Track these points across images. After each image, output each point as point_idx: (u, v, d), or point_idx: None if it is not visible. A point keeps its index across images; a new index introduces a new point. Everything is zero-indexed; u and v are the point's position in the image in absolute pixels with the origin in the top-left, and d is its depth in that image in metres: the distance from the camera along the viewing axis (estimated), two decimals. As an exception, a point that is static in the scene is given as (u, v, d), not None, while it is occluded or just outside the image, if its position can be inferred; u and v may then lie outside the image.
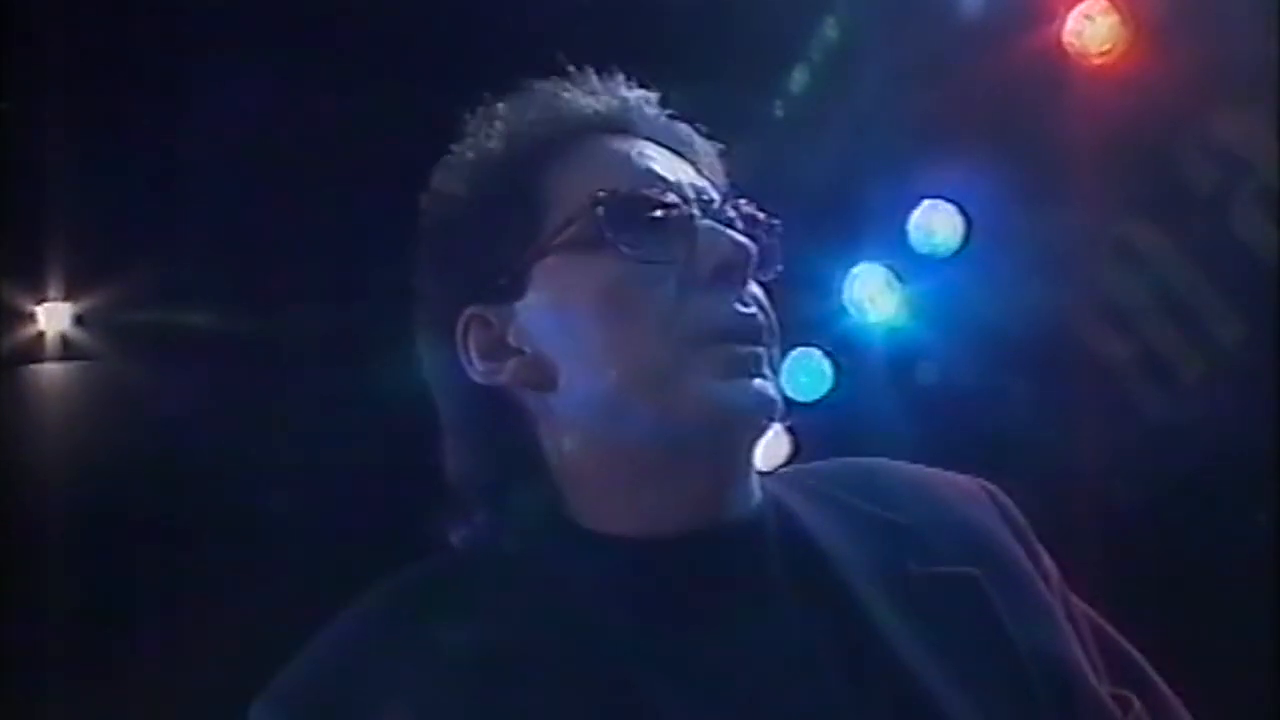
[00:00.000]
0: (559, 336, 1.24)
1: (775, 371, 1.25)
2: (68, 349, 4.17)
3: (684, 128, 1.33)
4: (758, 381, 1.21)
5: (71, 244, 3.92)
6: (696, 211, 1.25)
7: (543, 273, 1.25)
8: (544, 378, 1.24)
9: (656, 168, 1.27)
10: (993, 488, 1.38)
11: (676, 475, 1.22)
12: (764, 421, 1.23)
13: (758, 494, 1.27)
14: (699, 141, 1.33)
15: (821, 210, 3.90)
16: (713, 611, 1.20)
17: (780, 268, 1.30)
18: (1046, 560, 1.34)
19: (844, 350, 4.04)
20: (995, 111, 3.62)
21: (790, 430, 4.22)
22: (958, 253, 3.82)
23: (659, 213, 1.23)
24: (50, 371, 4.16)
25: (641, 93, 1.33)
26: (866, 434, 4.00)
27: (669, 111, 1.34)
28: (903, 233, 3.85)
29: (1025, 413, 3.66)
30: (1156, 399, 3.78)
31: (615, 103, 1.31)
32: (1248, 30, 3.35)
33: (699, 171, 1.30)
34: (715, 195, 1.28)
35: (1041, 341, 3.76)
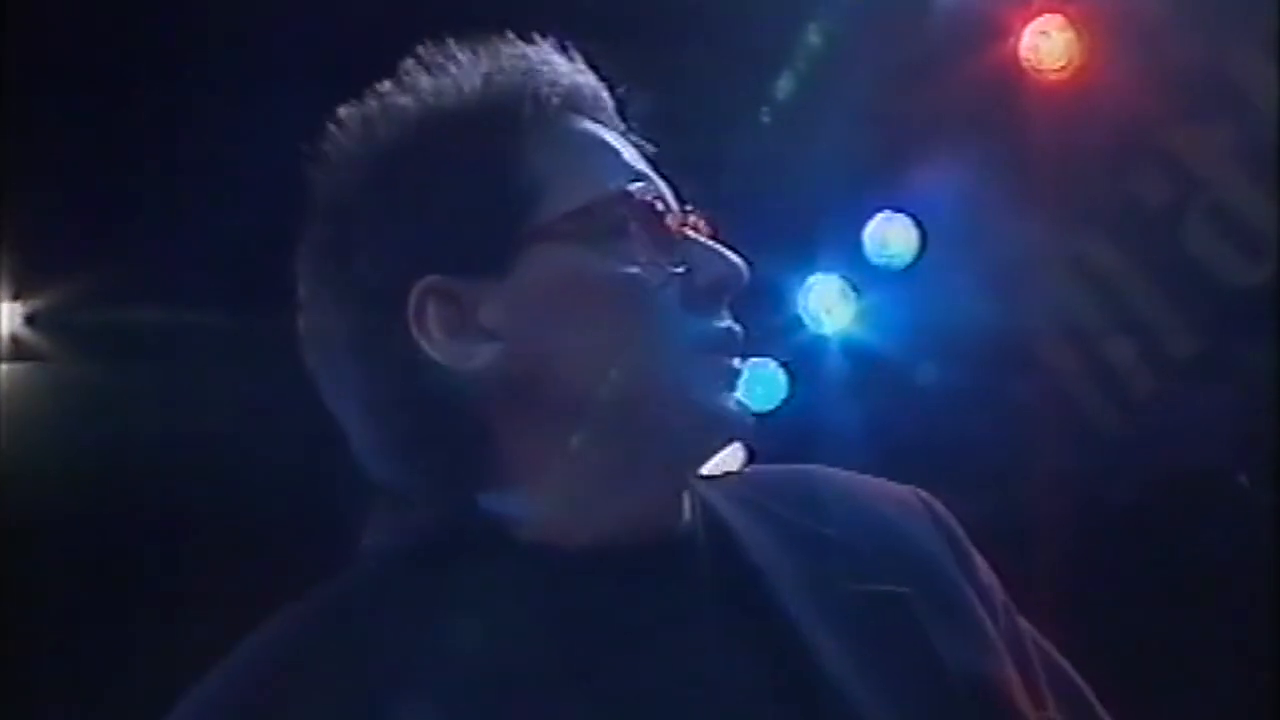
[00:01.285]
0: (556, 331, 1.14)
1: None
2: (18, 350, 4.13)
3: (623, 122, 1.27)
4: (741, 401, 1.20)
5: (20, 244, 3.88)
6: (681, 217, 1.22)
7: (538, 255, 1.14)
8: (527, 372, 1.14)
9: (646, 169, 1.22)
10: (929, 498, 1.34)
11: (642, 485, 1.17)
12: (746, 435, 1.21)
13: (687, 507, 1.22)
14: (642, 143, 1.28)
15: (777, 221, 3.90)
16: (637, 626, 1.15)
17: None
18: (984, 571, 1.32)
19: (799, 361, 4.05)
20: (951, 125, 3.64)
21: (747, 445, 4.24)
22: (913, 264, 3.84)
23: (663, 221, 1.18)
24: (1, 373, 4.12)
25: (598, 78, 1.26)
26: (821, 444, 4.01)
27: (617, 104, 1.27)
28: (858, 244, 3.87)
29: (979, 424, 3.67)
30: (1109, 412, 3.80)
31: (585, 83, 1.23)
32: (1202, 46, 3.38)
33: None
34: (677, 204, 1.24)
35: (995, 353, 3.78)
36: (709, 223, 1.25)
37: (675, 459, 1.19)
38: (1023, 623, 1.32)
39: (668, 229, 1.19)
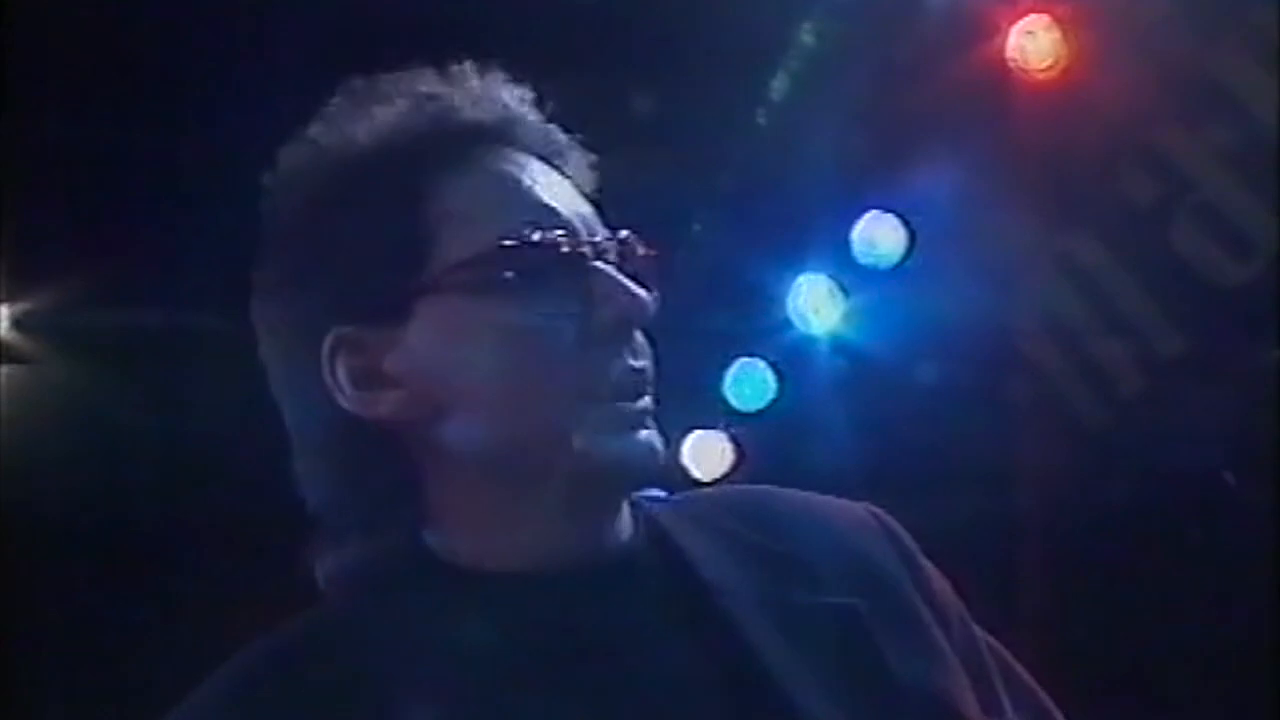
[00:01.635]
0: (448, 377, 1.17)
1: (656, 419, 1.22)
2: (6, 353, 4.12)
3: (560, 135, 1.27)
4: (644, 434, 1.19)
5: (7, 248, 3.87)
6: (588, 251, 1.20)
7: (433, 305, 1.17)
8: (426, 416, 1.18)
9: (550, 200, 1.21)
10: (881, 513, 1.36)
11: (552, 515, 1.19)
12: (654, 470, 1.20)
13: (629, 527, 1.23)
14: (574, 153, 1.27)
15: (766, 222, 3.91)
16: (587, 646, 1.17)
17: (659, 297, 1.24)
18: (937, 583, 1.33)
19: (787, 361, 4.06)
20: (939, 125, 3.64)
21: (734, 440, 4.24)
22: (901, 264, 3.84)
23: (561, 262, 1.18)
24: (-14, 375, 4.11)
25: (520, 94, 1.25)
26: (809, 444, 4.01)
27: (546, 116, 1.26)
28: (846, 244, 3.87)
29: (967, 423, 3.68)
30: (1097, 410, 3.81)
31: (499, 109, 1.23)
32: (1188, 44, 3.39)
33: (579, 191, 1.25)
34: (600, 230, 1.23)
35: (984, 352, 3.78)
36: (640, 244, 1.24)
37: (573, 502, 1.19)
38: (978, 632, 1.34)
39: (565, 269, 1.19)
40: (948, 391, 3.75)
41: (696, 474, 4.20)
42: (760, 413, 4.14)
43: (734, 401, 4.15)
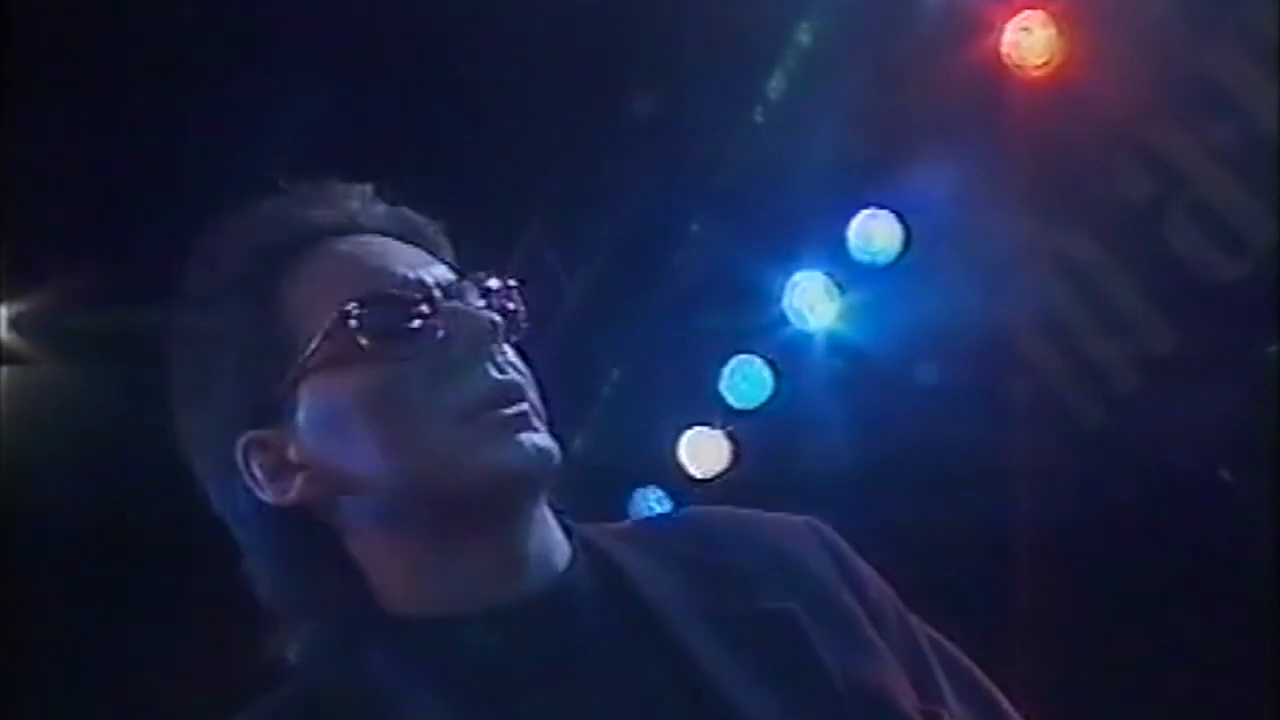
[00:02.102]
0: (335, 446, 1.28)
1: (543, 418, 1.30)
2: (2, 353, 4.12)
3: (408, 215, 1.37)
4: (526, 435, 1.27)
5: (6, 247, 3.87)
6: (438, 295, 1.29)
7: (307, 389, 1.28)
8: (331, 487, 1.28)
9: (391, 264, 1.31)
10: (819, 524, 1.43)
11: (474, 548, 1.27)
12: (545, 471, 1.28)
13: (566, 556, 1.31)
14: (425, 226, 1.37)
15: (762, 219, 3.91)
16: (534, 677, 1.25)
17: (526, 325, 1.34)
18: (873, 584, 1.40)
19: (784, 358, 4.06)
20: (934, 122, 3.64)
21: (731, 437, 4.24)
22: (897, 261, 3.84)
23: (403, 310, 1.28)
24: (-17, 376, 4.11)
25: (363, 190, 1.36)
26: (806, 441, 4.02)
27: (389, 204, 1.37)
28: (842, 241, 3.87)
29: (963, 419, 3.68)
30: (1092, 407, 3.82)
31: (340, 205, 1.34)
32: (1182, 41, 3.39)
33: (432, 254, 1.35)
34: (451, 276, 1.32)
35: (979, 349, 3.78)
36: (497, 279, 1.33)
37: (485, 516, 1.27)
38: (917, 626, 1.42)
39: (411, 316, 1.28)
40: (944, 388, 3.75)
41: (693, 471, 4.21)
42: (757, 410, 4.14)
43: (731, 399, 4.16)
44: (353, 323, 1.27)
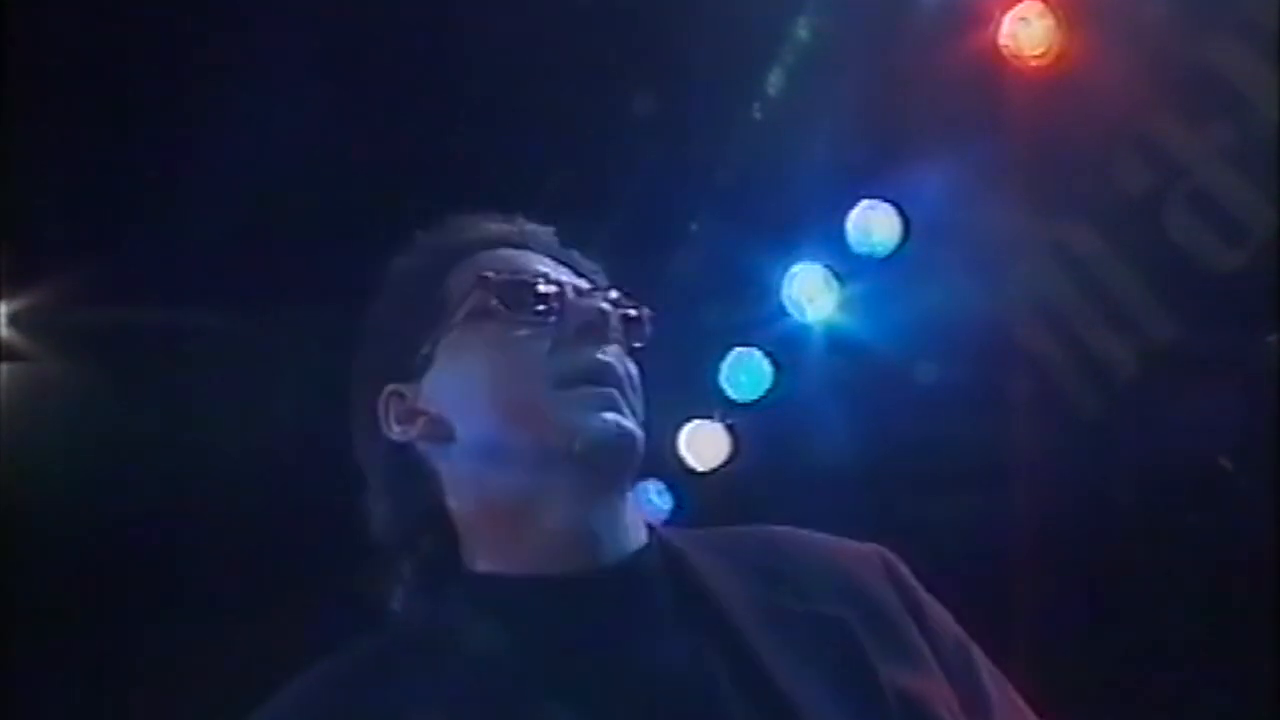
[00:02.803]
0: (455, 394, 1.47)
1: (636, 415, 1.45)
2: (2, 350, 4.12)
3: (573, 251, 1.58)
4: (613, 415, 1.42)
5: (4, 244, 3.87)
6: (570, 294, 1.49)
7: (445, 348, 1.49)
8: (444, 431, 1.46)
9: (536, 264, 1.52)
10: (886, 552, 1.53)
11: (556, 515, 1.41)
12: (623, 450, 1.42)
13: (643, 538, 1.45)
14: (584, 261, 1.57)
15: (760, 211, 3.91)
16: (601, 645, 1.37)
17: (642, 344, 1.51)
18: (935, 615, 1.49)
19: (783, 350, 4.06)
20: (932, 113, 3.64)
21: (730, 429, 4.24)
22: (895, 253, 3.84)
23: (535, 288, 1.48)
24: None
25: (538, 225, 1.58)
26: (806, 432, 4.02)
27: (561, 240, 1.58)
28: (841, 233, 3.87)
29: (962, 411, 3.68)
30: (1091, 398, 3.81)
31: (513, 227, 1.57)
32: (1180, 31, 3.39)
33: (578, 274, 1.54)
34: (585, 284, 1.52)
35: (978, 341, 3.78)
36: (629, 297, 1.52)
37: (570, 490, 1.41)
38: (979, 661, 1.49)
39: (539, 297, 1.48)
40: (943, 379, 3.75)
41: (693, 464, 4.21)
42: (757, 402, 4.14)
43: (730, 391, 4.16)
44: (490, 290, 1.47)
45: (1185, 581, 3.45)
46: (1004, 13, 3.57)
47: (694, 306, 3.93)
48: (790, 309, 3.98)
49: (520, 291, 1.49)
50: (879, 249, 3.85)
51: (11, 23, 3.35)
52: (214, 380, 3.84)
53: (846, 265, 3.92)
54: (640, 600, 1.41)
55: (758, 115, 3.81)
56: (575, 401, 1.42)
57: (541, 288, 1.49)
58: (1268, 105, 3.27)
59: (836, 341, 3.98)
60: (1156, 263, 3.59)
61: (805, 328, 4.00)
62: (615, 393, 1.43)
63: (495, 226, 1.57)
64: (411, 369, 1.50)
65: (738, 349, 4.10)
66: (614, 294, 1.52)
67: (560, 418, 1.41)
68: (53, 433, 4.09)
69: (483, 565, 1.44)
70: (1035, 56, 3.54)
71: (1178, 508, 3.54)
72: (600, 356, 1.45)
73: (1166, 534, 3.53)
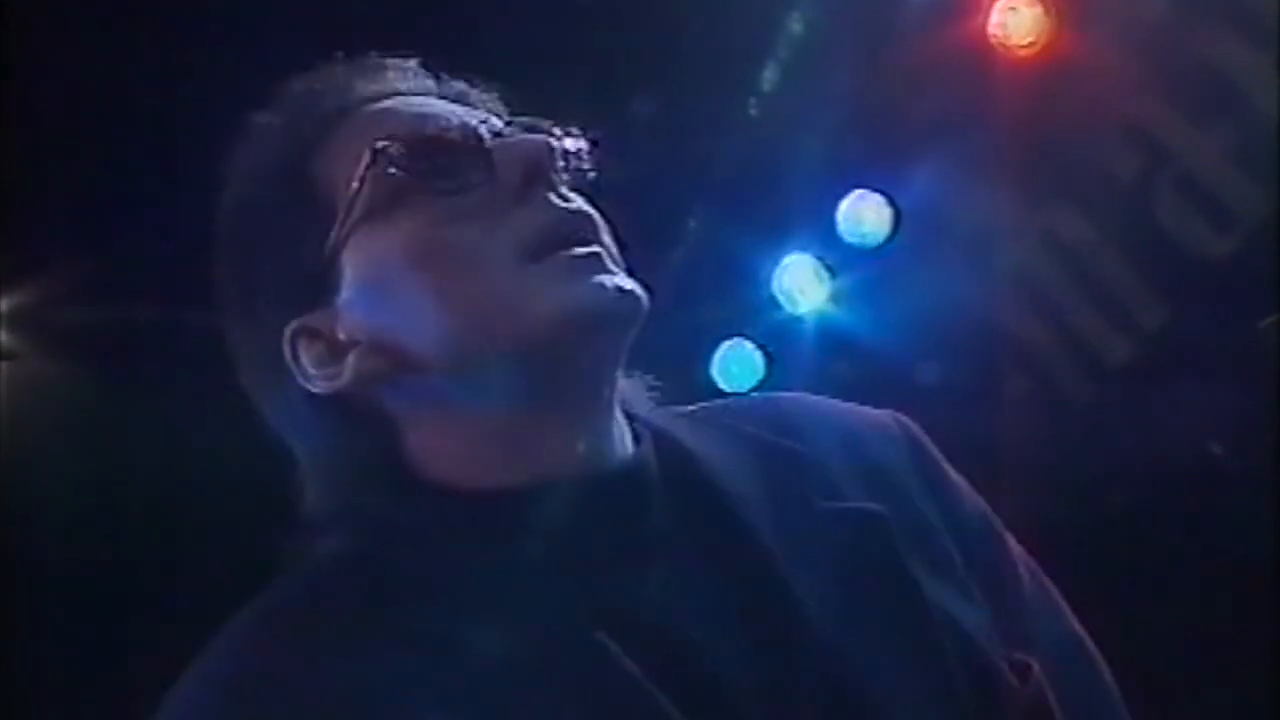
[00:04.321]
0: (385, 312, 1.13)
1: (620, 265, 1.15)
2: (-2, 349, 4.11)
3: (458, 83, 1.24)
4: (606, 277, 1.12)
5: (1, 243, 3.86)
6: (485, 134, 1.16)
7: (349, 255, 1.15)
8: (384, 362, 1.14)
9: (431, 111, 1.18)
10: (906, 421, 1.31)
11: (546, 416, 1.13)
12: (631, 316, 1.13)
13: (630, 438, 1.18)
14: (474, 93, 1.24)
15: (750, 202, 3.91)
16: (596, 557, 1.11)
17: (593, 173, 1.19)
18: (967, 498, 1.29)
19: (775, 341, 4.06)
20: (922, 102, 3.64)
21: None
22: (886, 243, 3.84)
23: (446, 146, 1.15)
24: (-26, 371, 4.10)
25: (405, 63, 1.24)
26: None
27: (439, 72, 1.25)
28: (831, 223, 3.87)
29: (953, 402, 3.68)
30: (1082, 386, 3.82)
31: (378, 77, 1.22)
32: (1168, 19, 3.39)
33: (476, 110, 1.21)
34: (500, 124, 1.19)
35: (970, 330, 3.78)
36: (550, 124, 1.19)
37: (559, 370, 1.12)
38: (1010, 546, 1.29)
39: (452, 150, 1.15)
40: (935, 369, 3.75)
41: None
42: (749, 393, 4.14)
43: (722, 383, 4.15)
44: (390, 164, 1.13)
45: (1179, 571, 3.45)
46: (993, 2, 3.57)
47: (685, 299, 3.92)
48: (781, 300, 3.98)
49: (430, 153, 1.14)
50: (870, 239, 3.85)
51: (10, 22, 3.34)
52: (212, 379, 3.84)
53: (837, 256, 3.92)
54: (640, 504, 1.14)
55: (748, 107, 3.81)
56: (550, 274, 1.10)
57: (453, 138, 1.15)
58: (1256, 91, 3.27)
59: (828, 333, 3.98)
60: (1147, 249, 3.60)
61: (797, 319, 4.00)
62: (597, 249, 1.13)
63: (357, 82, 1.21)
64: (308, 294, 1.16)
65: (729, 341, 4.10)
66: (532, 125, 1.18)
67: (539, 301, 1.10)
68: (50, 432, 4.08)
69: (457, 483, 1.14)
70: (1024, 46, 3.54)
71: (1170, 494, 3.54)
72: (562, 205, 1.14)
73: (1159, 521, 3.53)
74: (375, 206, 1.14)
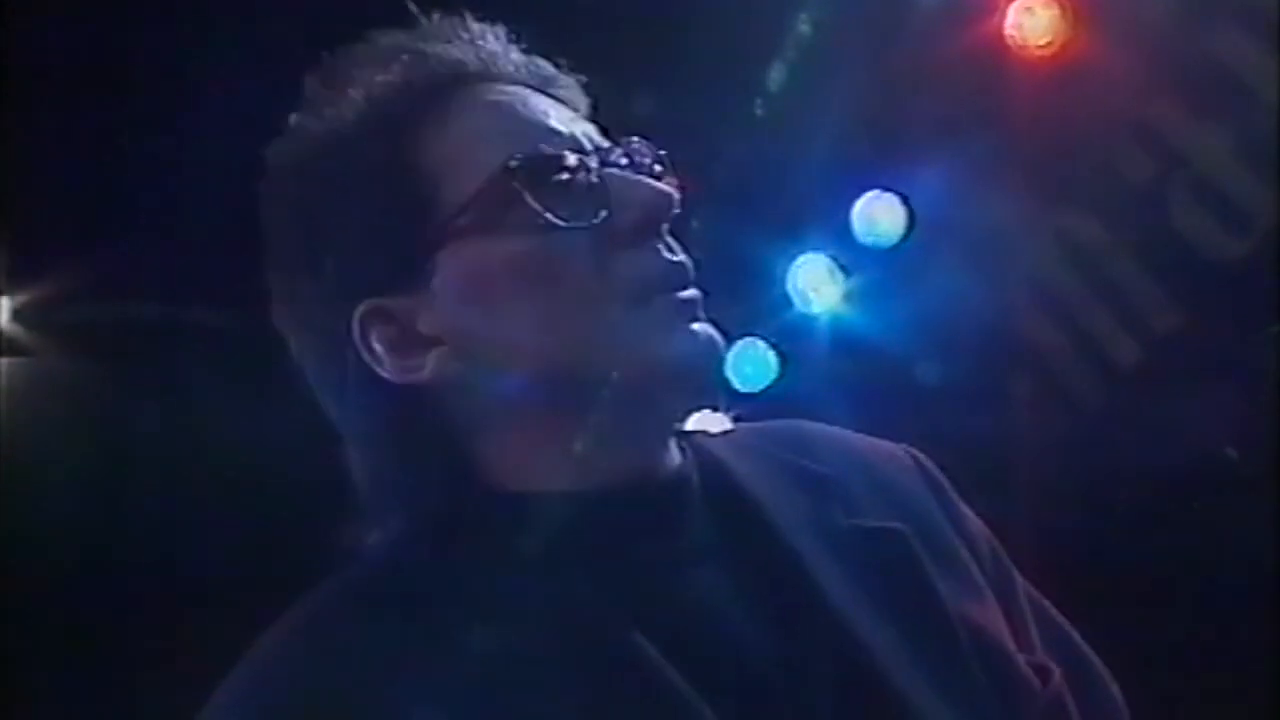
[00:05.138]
0: (484, 320, 1.14)
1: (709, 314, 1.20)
2: (5, 345, 4.12)
3: (545, 64, 1.24)
4: (699, 326, 1.17)
5: (7, 239, 3.87)
6: (595, 160, 1.17)
7: (453, 253, 1.14)
8: (470, 366, 1.15)
9: (545, 119, 1.18)
10: (916, 453, 1.36)
11: (612, 440, 1.16)
12: (718, 366, 1.19)
13: (678, 452, 1.22)
14: (563, 78, 1.25)
15: (765, 201, 3.91)
16: (641, 564, 1.15)
17: (679, 207, 1.21)
18: (972, 521, 1.33)
19: (788, 341, 4.06)
20: (937, 103, 3.63)
21: (737, 420, 4.24)
22: (901, 243, 3.84)
23: (568, 173, 1.15)
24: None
25: (494, 31, 1.23)
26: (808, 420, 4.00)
27: (525, 48, 1.24)
28: (846, 224, 3.86)
29: (967, 402, 3.68)
30: (1095, 389, 3.81)
31: (476, 49, 1.20)
32: (1186, 21, 3.38)
33: (576, 113, 1.23)
34: (604, 140, 1.21)
35: (983, 332, 3.78)
36: (650, 149, 1.22)
37: (643, 410, 1.17)
38: (1016, 574, 1.34)
39: (576, 180, 1.16)
40: (948, 370, 3.75)
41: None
42: (762, 393, 4.13)
43: (735, 382, 4.15)
44: (517, 181, 1.13)
45: (1190, 575, 3.44)
46: (1009, 3, 3.57)
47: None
48: (795, 299, 3.98)
49: (554, 179, 1.14)
50: (884, 240, 3.84)
51: (19, 18, 3.34)
52: (221, 375, 3.84)
53: (851, 256, 3.92)
54: (682, 517, 1.18)
55: (764, 107, 3.81)
56: (657, 319, 1.14)
57: (578, 170, 1.15)
58: (1273, 95, 3.26)
59: (841, 332, 3.98)
60: (1161, 251, 3.59)
61: (810, 319, 3.99)
62: (696, 294, 1.17)
63: (455, 50, 1.19)
64: (393, 278, 1.15)
65: (742, 340, 4.09)
66: (633, 142, 1.20)
67: (644, 344, 1.13)
68: (57, 428, 4.09)
69: (514, 484, 1.16)
70: (1040, 46, 3.53)
71: (1182, 498, 3.53)
72: (669, 256, 1.17)
73: (1170, 525, 3.52)
74: (491, 219, 1.13)
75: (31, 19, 3.36)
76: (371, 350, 1.15)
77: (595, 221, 1.14)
